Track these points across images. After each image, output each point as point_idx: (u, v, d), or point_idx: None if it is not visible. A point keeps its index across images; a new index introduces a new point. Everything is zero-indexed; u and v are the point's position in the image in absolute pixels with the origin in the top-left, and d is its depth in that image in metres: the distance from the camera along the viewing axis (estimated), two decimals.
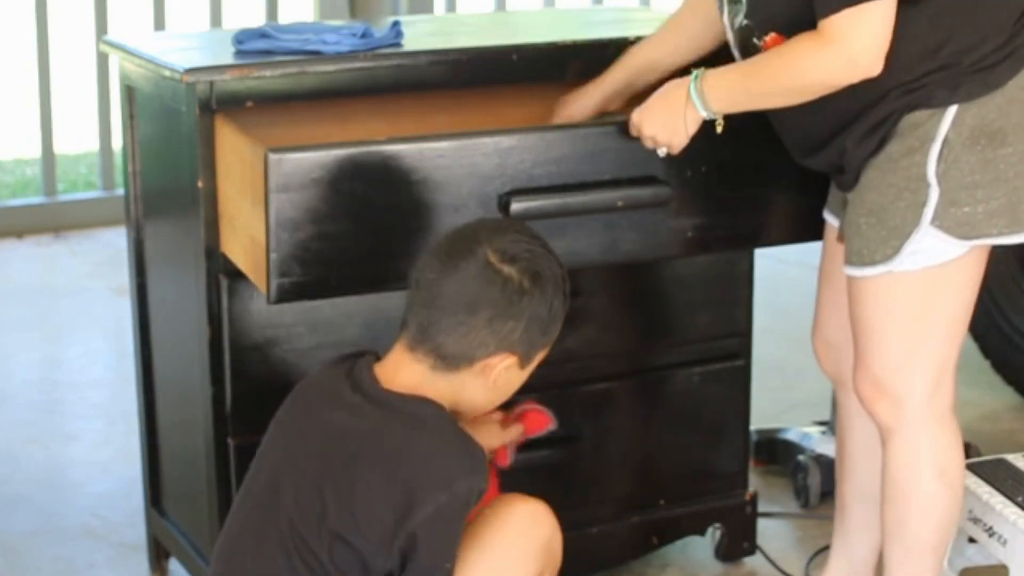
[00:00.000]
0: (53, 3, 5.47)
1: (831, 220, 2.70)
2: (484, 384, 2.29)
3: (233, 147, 2.55)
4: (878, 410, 2.57)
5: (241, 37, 2.73)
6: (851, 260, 2.52)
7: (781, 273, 4.35)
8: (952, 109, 2.41)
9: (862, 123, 2.45)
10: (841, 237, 2.63)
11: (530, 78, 2.84)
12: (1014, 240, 2.48)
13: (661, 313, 3.01)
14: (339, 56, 2.68)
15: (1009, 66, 2.42)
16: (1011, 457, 2.99)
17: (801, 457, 3.45)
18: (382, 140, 2.46)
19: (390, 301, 2.60)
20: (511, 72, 2.82)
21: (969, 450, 2.64)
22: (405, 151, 2.46)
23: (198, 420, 2.76)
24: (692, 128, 2.50)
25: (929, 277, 2.47)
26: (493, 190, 2.51)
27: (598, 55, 2.91)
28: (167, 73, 2.64)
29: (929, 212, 2.43)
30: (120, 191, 5.16)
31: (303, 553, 2.21)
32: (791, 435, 3.57)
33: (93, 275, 5.00)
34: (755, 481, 3.39)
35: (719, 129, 2.51)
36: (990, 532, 2.81)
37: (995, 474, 2.91)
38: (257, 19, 5.76)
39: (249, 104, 2.63)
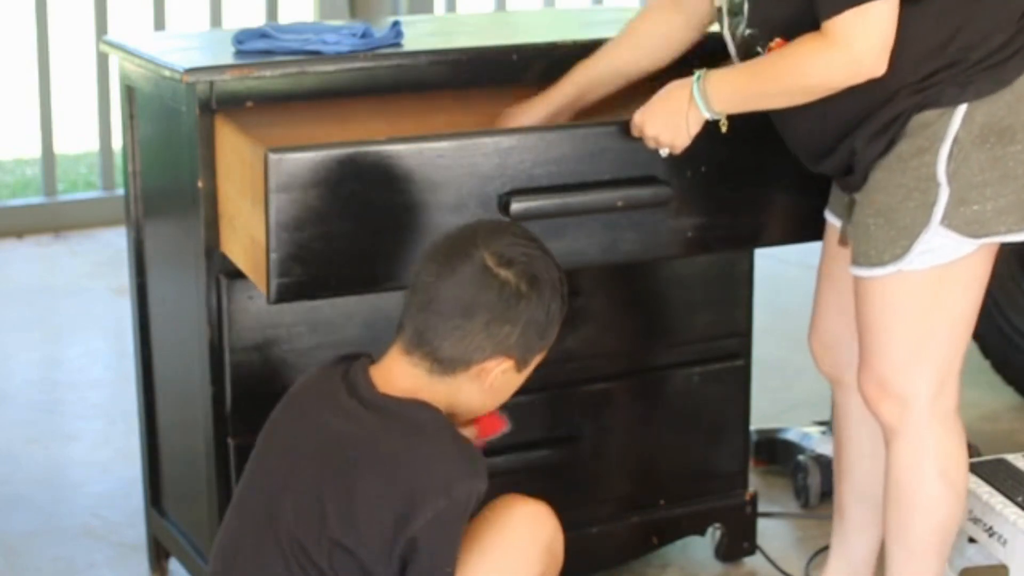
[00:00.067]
0: (53, 3, 5.47)
1: (832, 220, 2.70)
2: (480, 388, 2.28)
3: (233, 147, 2.55)
4: (882, 410, 2.57)
5: (241, 37, 2.73)
6: (859, 261, 2.52)
7: (781, 273, 4.35)
8: (962, 108, 2.41)
9: (871, 123, 2.45)
10: (844, 239, 2.63)
11: (530, 78, 2.84)
12: (1023, 237, 2.48)
13: (661, 313, 3.01)
14: (339, 56, 2.68)
15: (1017, 63, 2.42)
16: (1011, 457, 2.99)
17: (801, 457, 3.45)
18: (382, 140, 2.46)
19: (390, 301, 2.60)
20: (511, 72, 2.82)
21: (970, 450, 2.64)
22: (405, 151, 2.46)
23: (198, 420, 2.76)
24: (695, 129, 2.50)
25: (937, 276, 2.47)
26: (493, 190, 2.51)
27: None
28: (167, 73, 2.64)
29: (939, 212, 2.43)
30: (120, 191, 5.16)
31: (302, 560, 2.21)
32: (791, 435, 3.57)
33: (93, 275, 5.00)
34: (755, 481, 3.39)
35: (724, 129, 2.50)
36: (990, 532, 2.81)
37: (995, 474, 2.91)
38: (257, 19, 5.76)
39: (249, 104, 2.63)
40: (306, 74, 2.67)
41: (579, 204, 2.56)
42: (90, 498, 3.49)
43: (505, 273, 2.24)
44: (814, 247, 2.79)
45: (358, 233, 2.45)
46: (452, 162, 2.48)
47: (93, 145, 5.87)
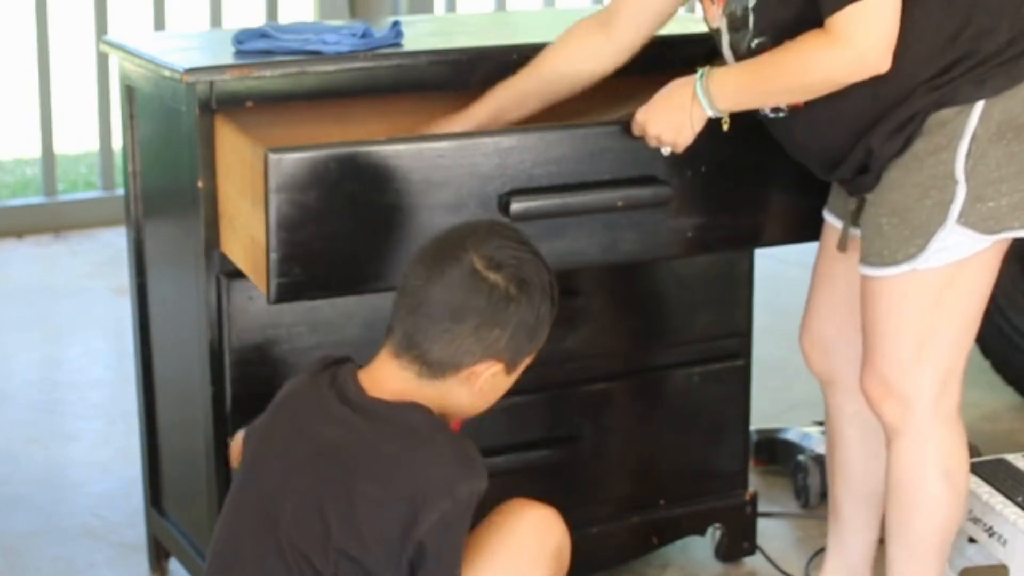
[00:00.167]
0: (53, 3, 5.47)
1: (831, 221, 2.69)
2: (470, 391, 2.28)
3: (233, 147, 2.55)
4: (885, 410, 2.57)
5: (241, 37, 2.73)
6: (870, 260, 2.51)
7: (781, 273, 4.35)
8: (979, 105, 2.41)
9: (887, 123, 2.44)
10: (842, 244, 2.62)
11: None
12: None
13: (661, 313, 3.01)
14: (339, 56, 2.68)
15: None
16: (1011, 457, 2.99)
17: (801, 457, 3.45)
18: (382, 140, 2.46)
19: (390, 301, 2.59)
20: (511, 72, 2.82)
21: (970, 450, 2.64)
22: (405, 151, 2.46)
23: (198, 420, 2.76)
24: (698, 127, 2.50)
25: (949, 274, 2.47)
26: (493, 190, 2.51)
27: None
28: (167, 73, 2.64)
29: (956, 209, 2.43)
30: (120, 191, 5.16)
31: (306, 570, 2.19)
32: (791, 435, 3.57)
33: (93, 275, 5.00)
34: (755, 481, 3.39)
35: (725, 127, 2.50)
36: (990, 532, 2.81)
37: (995, 474, 2.91)
38: (257, 19, 5.76)
39: (249, 104, 2.63)
40: (306, 74, 2.67)
41: (579, 204, 2.56)
42: (90, 498, 3.49)
43: (494, 276, 2.22)
44: (814, 247, 2.79)
45: (358, 233, 2.45)
46: (452, 162, 2.48)
47: (93, 145, 5.87)
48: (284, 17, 5.83)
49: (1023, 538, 2.75)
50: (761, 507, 3.26)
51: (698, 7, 2.61)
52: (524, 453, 2.89)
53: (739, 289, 3.06)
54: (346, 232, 2.44)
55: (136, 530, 3.26)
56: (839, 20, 2.35)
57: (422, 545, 2.17)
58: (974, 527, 2.85)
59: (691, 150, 2.54)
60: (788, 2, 2.43)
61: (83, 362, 4.34)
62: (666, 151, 2.54)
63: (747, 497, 3.16)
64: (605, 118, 2.71)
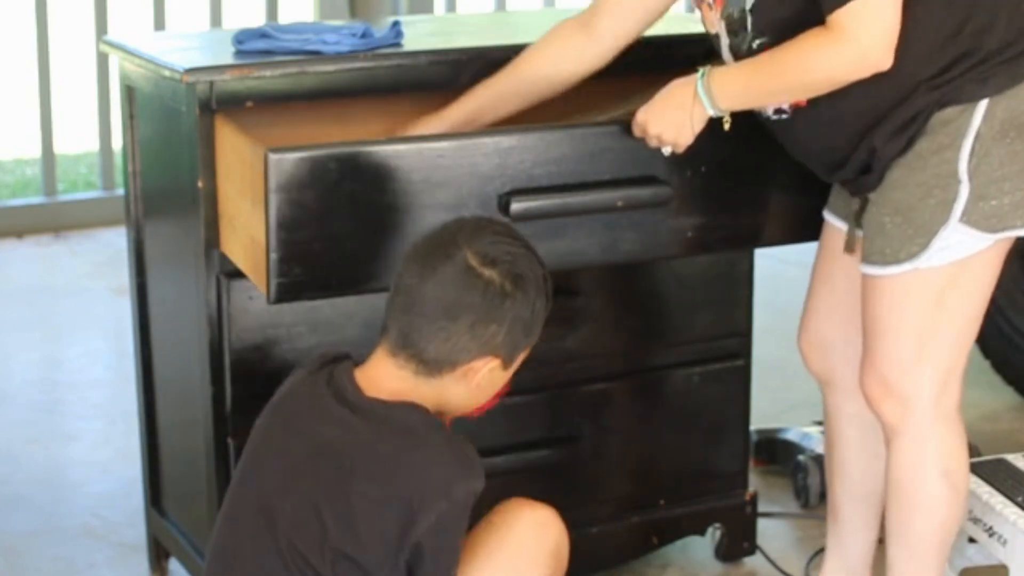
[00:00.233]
0: (53, 3, 5.47)
1: (832, 220, 2.69)
2: (467, 387, 2.27)
3: (233, 147, 2.55)
4: (884, 410, 2.57)
5: (241, 37, 2.73)
6: (872, 259, 2.51)
7: (781, 273, 4.34)
8: (983, 103, 2.41)
9: (891, 121, 2.44)
10: (849, 245, 2.62)
11: None
12: None
13: (661, 313, 3.01)
14: (339, 56, 2.68)
15: None
16: (1011, 457, 2.99)
17: (801, 457, 3.45)
18: (382, 140, 2.46)
19: None
20: None
21: (970, 450, 2.64)
22: (405, 151, 2.46)
23: (198, 420, 2.76)
24: (699, 126, 2.49)
25: (951, 273, 2.47)
26: (493, 190, 2.51)
27: None
28: (167, 73, 2.64)
29: (959, 208, 2.43)
30: (120, 191, 5.16)
31: (304, 569, 2.20)
32: (791, 435, 3.57)
33: (93, 275, 5.00)
34: (755, 481, 3.39)
35: (727, 127, 2.50)
36: (990, 532, 2.81)
37: (995, 474, 2.91)
38: (257, 19, 5.76)
39: (249, 104, 2.63)
40: (306, 74, 2.67)
41: (579, 204, 2.56)
42: (90, 498, 3.49)
43: (489, 273, 2.22)
44: (814, 247, 2.79)
45: (358, 233, 2.45)
46: (452, 162, 2.48)
47: (93, 145, 5.87)
48: (284, 17, 5.83)
49: (1023, 538, 2.75)
50: (761, 507, 3.26)
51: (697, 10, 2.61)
52: (524, 453, 2.89)
53: (739, 289, 3.06)
54: (346, 232, 2.44)
55: (136, 530, 3.26)
56: (840, 17, 2.34)
57: (419, 546, 2.17)
58: (974, 527, 2.85)
59: (691, 150, 2.54)
60: (786, 1, 2.43)
61: (83, 362, 4.34)
62: (667, 151, 2.54)
63: (747, 497, 3.16)
64: (605, 118, 2.71)
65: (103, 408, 4.00)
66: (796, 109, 2.51)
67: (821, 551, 3.04)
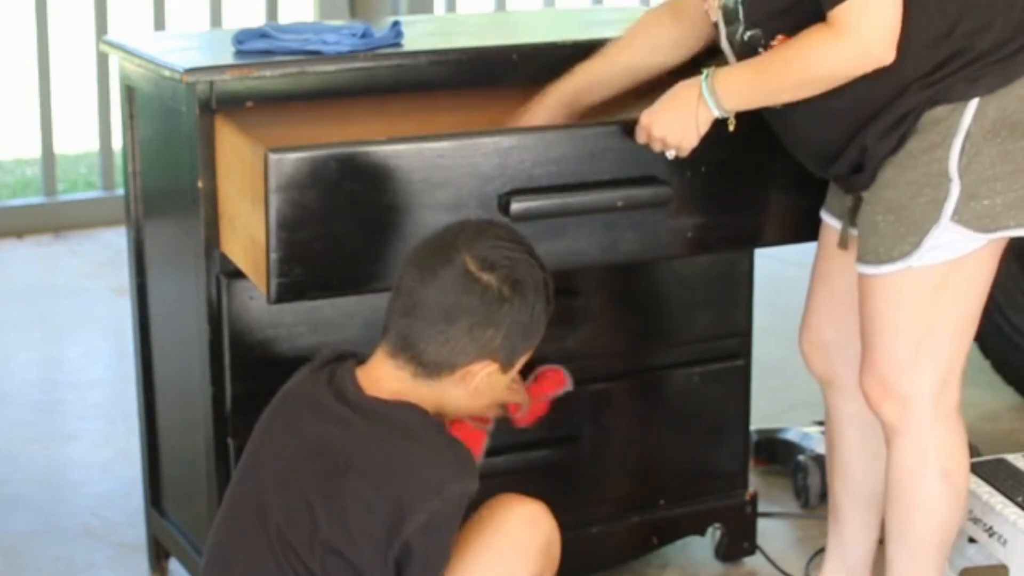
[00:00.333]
0: (53, 3, 5.47)
1: (829, 221, 2.69)
2: (466, 390, 2.28)
3: (233, 147, 2.55)
4: (884, 410, 2.57)
5: (241, 37, 2.73)
6: (866, 258, 2.51)
7: (781, 273, 4.34)
8: (974, 102, 2.41)
9: (882, 120, 2.44)
10: (843, 242, 2.63)
11: (530, 78, 2.84)
12: None
13: (661, 313, 3.01)
14: (339, 56, 2.68)
15: None
16: (1011, 457, 2.99)
17: (801, 457, 3.45)
18: (382, 140, 2.46)
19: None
20: (511, 72, 2.82)
21: (970, 450, 2.64)
22: (405, 151, 2.46)
23: (198, 420, 2.76)
24: (704, 128, 2.49)
25: (944, 272, 2.47)
26: (493, 190, 2.51)
27: None
28: (167, 73, 2.64)
29: (950, 207, 2.43)
30: (120, 191, 5.15)
31: (294, 563, 2.20)
32: (791, 435, 3.57)
33: (93, 275, 5.00)
34: (755, 481, 3.39)
35: (731, 128, 2.50)
36: (990, 532, 2.81)
37: (995, 474, 2.91)
38: (257, 19, 5.76)
39: (249, 104, 2.63)
40: (306, 74, 2.67)
41: (579, 204, 2.56)
42: (90, 498, 3.49)
43: (487, 277, 2.23)
44: (814, 247, 2.79)
45: (358, 233, 2.45)
46: (452, 162, 2.48)
47: (93, 145, 5.87)
48: (284, 17, 5.84)
49: (1023, 538, 2.75)
50: (761, 507, 3.26)
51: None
52: (524, 453, 2.89)
53: (739, 289, 3.06)
54: (346, 232, 2.44)
55: (136, 530, 3.26)
56: (841, 13, 2.34)
57: (408, 545, 2.18)
58: (974, 527, 2.85)
59: (693, 151, 2.53)
60: None
61: (83, 362, 4.34)
62: (670, 154, 2.54)
63: (747, 497, 3.16)
64: (605, 118, 2.71)
65: (103, 408, 4.00)
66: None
67: (821, 551, 3.04)
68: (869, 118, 2.45)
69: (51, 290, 4.91)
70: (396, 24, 2.83)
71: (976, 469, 2.89)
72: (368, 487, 2.19)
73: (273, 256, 2.40)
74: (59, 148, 5.74)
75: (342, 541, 2.19)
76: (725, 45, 2.55)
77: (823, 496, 3.36)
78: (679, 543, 3.17)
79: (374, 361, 2.29)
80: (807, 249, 2.80)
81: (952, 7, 2.40)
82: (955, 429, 2.58)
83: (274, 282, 2.41)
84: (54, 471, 3.64)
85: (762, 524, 3.25)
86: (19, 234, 5.38)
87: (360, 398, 2.25)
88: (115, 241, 5.07)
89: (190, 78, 2.58)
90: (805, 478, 3.42)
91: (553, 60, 2.84)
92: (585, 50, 2.85)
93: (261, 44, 2.71)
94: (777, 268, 4.38)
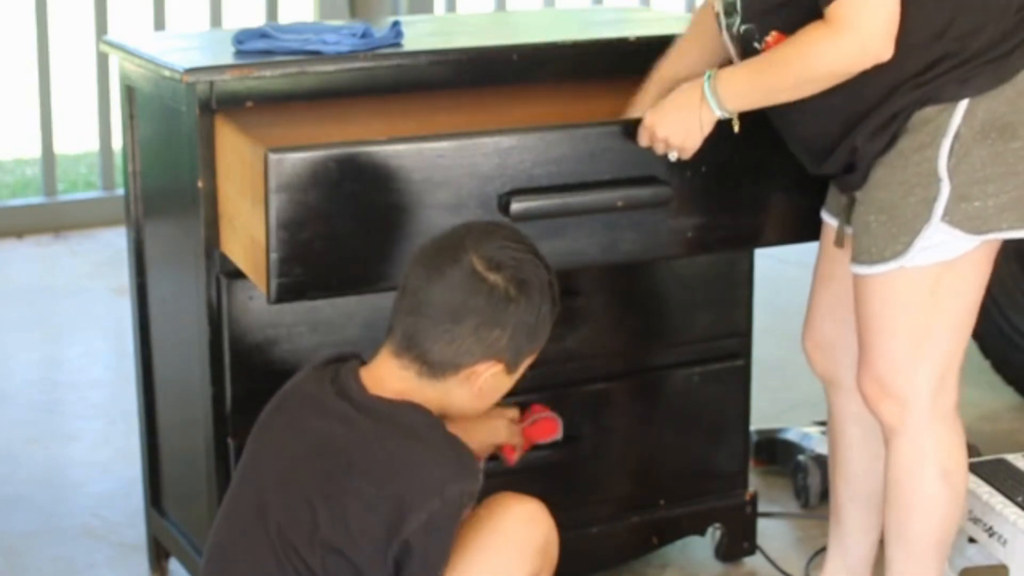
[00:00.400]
0: (53, 3, 5.47)
1: (829, 221, 2.70)
2: (471, 391, 2.28)
3: (233, 147, 2.55)
4: (882, 410, 2.57)
5: (241, 37, 2.73)
6: (860, 258, 2.51)
7: (781, 273, 4.35)
8: (963, 103, 2.41)
9: (873, 120, 2.45)
10: (840, 240, 2.63)
11: (530, 78, 2.84)
12: None
13: (661, 313, 3.01)
14: (339, 56, 2.68)
15: (1018, 58, 2.42)
16: (1011, 457, 2.99)
17: (801, 457, 3.45)
18: (382, 140, 2.46)
19: (390, 301, 2.59)
20: (511, 72, 2.83)
21: (970, 450, 2.64)
22: (405, 151, 2.46)
23: (198, 420, 2.76)
24: (707, 129, 2.49)
25: (938, 273, 2.47)
26: (493, 190, 2.51)
27: (598, 55, 2.91)
28: (167, 73, 2.64)
29: (940, 207, 2.43)
30: (120, 191, 5.16)
31: (295, 561, 2.20)
32: (791, 435, 3.56)
33: (93, 275, 5.00)
34: (755, 481, 3.39)
35: (735, 128, 2.50)
36: (990, 532, 2.81)
37: (995, 474, 2.91)
38: (257, 19, 5.76)
39: (249, 104, 2.63)
40: (306, 74, 2.67)
41: (579, 204, 2.56)
42: (90, 498, 3.49)
43: (494, 277, 2.23)
44: (814, 247, 2.79)
45: (358, 233, 2.45)
46: (452, 162, 2.48)
47: (93, 145, 5.87)
48: (284, 17, 5.84)
49: (1023, 538, 2.75)
50: (761, 507, 3.26)
51: (698, 4, 2.61)
52: (524, 453, 2.89)
53: (739, 289, 3.06)
54: (346, 232, 2.44)
55: (136, 530, 3.26)
56: (839, 9, 2.34)
57: (408, 544, 2.18)
58: (974, 527, 2.85)
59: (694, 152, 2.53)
60: None
61: (83, 362, 4.34)
62: (673, 156, 2.53)
63: (747, 497, 3.16)
64: (605, 118, 2.71)
65: (103, 408, 4.00)
66: None
67: (821, 551, 3.04)
68: (861, 116, 2.45)
69: (51, 290, 4.91)
70: (396, 24, 2.83)
71: (976, 469, 2.89)
72: (370, 486, 2.19)
73: (273, 256, 2.40)
74: (59, 148, 5.74)
75: (343, 540, 2.19)
76: (726, 37, 2.55)
77: (823, 496, 3.36)
78: (679, 543, 3.17)
79: (378, 361, 2.29)
80: (807, 249, 2.81)
81: (947, 7, 2.40)
82: (953, 429, 2.58)
83: (274, 282, 2.41)
84: (54, 471, 3.64)
85: (762, 524, 3.25)
86: (19, 234, 5.38)
87: (363, 397, 2.25)
88: (115, 241, 5.07)
89: (190, 78, 2.58)
90: (805, 478, 3.42)
91: (553, 60, 2.84)
92: (585, 50, 2.86)
93: (261, 44, 2.72)
94: (777, 268, 4.38)
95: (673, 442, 3.07)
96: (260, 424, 2.36)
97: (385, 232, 2.46)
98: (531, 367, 2.34)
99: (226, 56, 2.69)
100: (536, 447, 2.61)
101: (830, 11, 2.35)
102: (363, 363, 2.32)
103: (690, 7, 5.82)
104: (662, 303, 3.01)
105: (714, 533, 3.18)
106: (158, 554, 3.13)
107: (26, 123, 6.34)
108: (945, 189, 2.43)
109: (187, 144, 2.64)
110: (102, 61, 5.50)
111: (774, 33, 2.45)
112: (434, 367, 2.25)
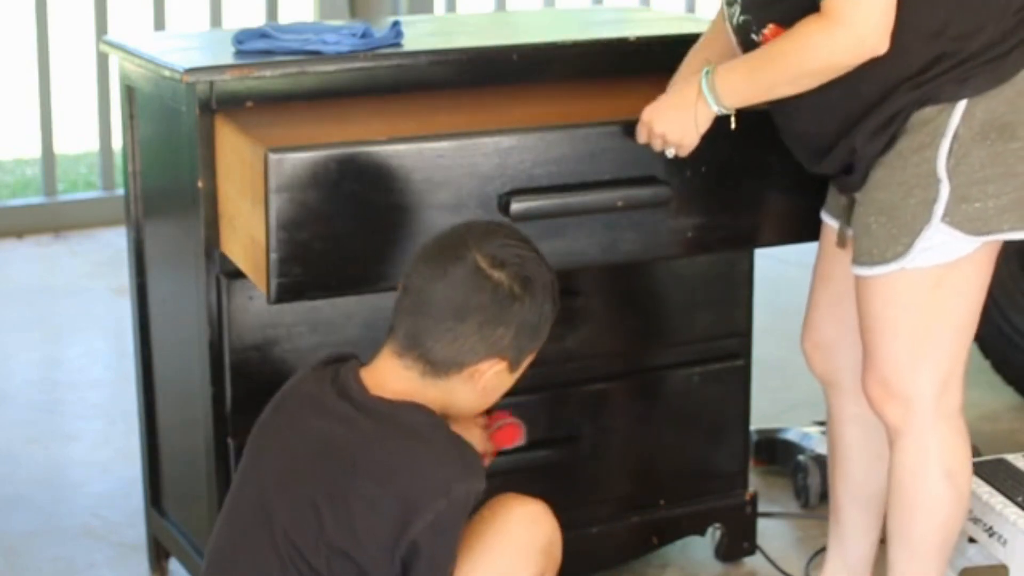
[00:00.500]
0: (53, 3, 5.47)
1: (829, 222, 2.69)
2: (473, 389, 2.28)
3: (233, 147, 2.55)
4: (887, 411, 2.56)
5: (241, 37, 2.73)
6: (861, 260, 2.51)
7: (781, 273, 4.35)
8: (962, 104, 2.41)
9: (871, 120, 2.44)
10: (841, 240, 2.63)
11: (530, 78, 2.84)
12: None
13: (661, 313, 3.01)
14: (339, 56, 2.68)
15: (1017, 58, 2.41)
16: (1011, 457, 2.99)
17: (801, 457, 3.45)
18: (382, 140, 2.46)
19: (390, 301, 2.59)
20: (511, 72, 2.83)
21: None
22: (405, 151, 2.46)
23: (198, 420, 2.76)
24: (703, 125, 2.49)
25: (939, 274, 2.47)
26: (493, 190, 2.51)
27: (598, 55, 2.91)
28: (167, 73, 2.64)
29: (940, 208, 2.43)
30: (120, 191, 5.16)
31: (299, 564, 2.20)
32: (791, 435, 3.57)
33: (93, 275, 5.00)
34: (755, 481, 3.39)
35: (733, 125, 2.50)
36: (990, 532, 2.81)
37: (995, 474, 2.91)
38: (257, 19, 5.76)
39: (249, 104, 2.63)
40: (306, 74, 2.67)
41: (579, 204, 2.56)
42: (90, 498, 3.49)
43: (498, 275, 2.23)
44: (814, 247, 2.79)
45: (358, 233, 2.45)
46: (452, 162, 2.48)
47: (93, 145, 5.87)
48: (284, 17, 5.84)
49: (1023, 538, 2.75)
50: (761, 507, 3.26)
51: (698, 4, 2.60)
52: (524, 453, 2.88)
53: (739, 289, 3.06)
54: (346, 232, 2.44)
55: (136, 530, 3.26)
56: (834, 2, 2.34)
57: (415, 544, 2.18)
58: (974, 527, 2.85)
59: (693, 151, 2.53)
60: None
61: (83, 362, 4.34)
62: (670, 152, 2.53)
63: (747, 497, 3.16)
64: (605, 118, 2.71)
65: (103, 408, 4.00)
66: None
67: (821, 551, 3.04)
68: (859, 116, 2.45)
69: (51, 290, 4.91)
70: (396, 24, 2.83)
71: (976, 469, 2.89)
72: (373, 487, 2.18)
73: (273, 256, 2.40)
74: (59, 148, 5.74)
75: (348, 542, 2.18)
76: (727, 27, 2.55)
77: (823, 496, 3.36)
78: (679, 543, 3.17)
79: (379, 361, 2.29)
80: (807, 249, 2.81)
81: (944, 5, 2.39)
82: (957, 429, 2.58)
83: (274, 282, 2.41)
84: (54, 471, 3.64)
85: (762, 524, 3.25)
86: (19, 234, 5.38)
87: (364, 398, 2.25)
88: (115, 241, 5.07)
89: (190, 78, 2.58)
90: (805, 478, 3.42)
91: (553, 60, 2.84)
92: (585, 50, 2.86)
93: (261, 44, 2.72)
94: (777, 268, 4.38)
95: (673, 442, 3.07)
96: (260, 425, 2.35)
97: (385, 232, 2.46)
98: (531, 366, 2.34)
99: (226, 56, 2.69)
100: (501, 453, 2.60)
101: (826, 5, 2.35)
102: (361, 363, 2.31)
103: (690, 7, 5.82)
104: (662, 303, 3.01)
105: (714, 533, 3.18)
106: (158, 554, 3.13)
107: (26, 123, 6.34)
108: (945, 190, 2.42)
109: (187, 144, 2.64)
110: (102, 61, 5.50)
111: (771, 26, 2.44)
112: (437, 366, 2.25)
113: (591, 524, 2.99)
